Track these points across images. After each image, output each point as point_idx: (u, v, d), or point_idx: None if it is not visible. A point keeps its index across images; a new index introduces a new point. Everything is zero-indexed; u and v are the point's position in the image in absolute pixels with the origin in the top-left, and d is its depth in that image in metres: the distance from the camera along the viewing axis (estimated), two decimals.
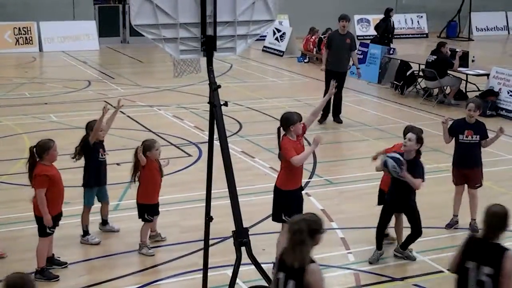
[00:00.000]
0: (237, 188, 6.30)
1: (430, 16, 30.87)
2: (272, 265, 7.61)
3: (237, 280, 6.33)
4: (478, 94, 15.97)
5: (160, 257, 8.12)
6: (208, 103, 6.44)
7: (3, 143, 12.40)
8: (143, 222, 8.20)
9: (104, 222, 8.75)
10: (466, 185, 8.99)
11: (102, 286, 7.42)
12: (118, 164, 10.32)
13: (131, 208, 8.83)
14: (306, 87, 18.64)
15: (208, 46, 6.36)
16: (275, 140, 7.58)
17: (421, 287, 7.57)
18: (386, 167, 7.76)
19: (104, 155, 8.51)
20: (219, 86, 6.39)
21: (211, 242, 7.08)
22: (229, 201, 6.28)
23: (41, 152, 7.34)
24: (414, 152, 7.87)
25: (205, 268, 6.85)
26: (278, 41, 24.70)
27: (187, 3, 6.26)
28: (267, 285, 6.35)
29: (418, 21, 30.94)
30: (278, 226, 7.84)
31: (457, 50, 17.43)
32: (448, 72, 16.76)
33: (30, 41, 24.29)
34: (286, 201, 7.51)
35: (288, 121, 7.46)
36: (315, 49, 22.64)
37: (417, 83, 17.98)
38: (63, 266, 7.76)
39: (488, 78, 16.48)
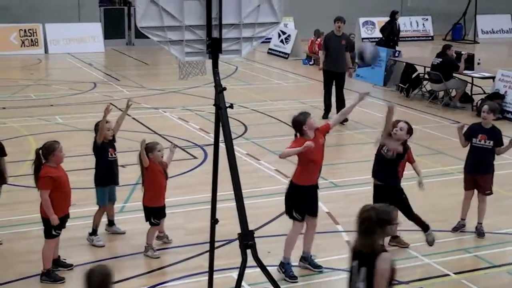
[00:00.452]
0: (242, 191, 6.29)
1: (436, 19, 30.79)
2: (277, 267, 7.64)
3: (243, 283, 6.30)
4: (484, 97, 15.92)
5: (166, 260, 8.12)
6: (213, 105, 6.44)
7: (8, 145, 12.28)
8: (149, 225, 8.21)
9: (111, 223, 8.77)
10: (476, 191, 8.90)
11: None
12: (123, 166, 10.31)
13: (136, 210, 8.83)
14: (311, 89, 18.61)
15: (214, 48, 6.37)
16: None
17: None
18: (363, 57, 7.76)
19: (115, 154, 8.54)
20: (225, 88, 6.39)
21: (216, 244, 7.08)
22: (235, 203, 6.27)
23: (47, 154, 7.36)
24: (401, 144, 7.95)
25: (211, 271, 6.85)
26: (283, 43, 24.70)
27: (192, 5, 6.27)
28: (268, 287, 6.34)
29: (423, 24, 30.86)
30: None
31: (462, 52, 17.38)
32: (454, 74, 16.72)
33: (36, 43, 24.33)
34: (298, 196, 7.53)
35: (298, 123, 7.51)
36: (320, 52, 22.60)
37: (423, 86, 17.94)
38: (69, 268, 7.76)
39: (493, 81, 16.41)
